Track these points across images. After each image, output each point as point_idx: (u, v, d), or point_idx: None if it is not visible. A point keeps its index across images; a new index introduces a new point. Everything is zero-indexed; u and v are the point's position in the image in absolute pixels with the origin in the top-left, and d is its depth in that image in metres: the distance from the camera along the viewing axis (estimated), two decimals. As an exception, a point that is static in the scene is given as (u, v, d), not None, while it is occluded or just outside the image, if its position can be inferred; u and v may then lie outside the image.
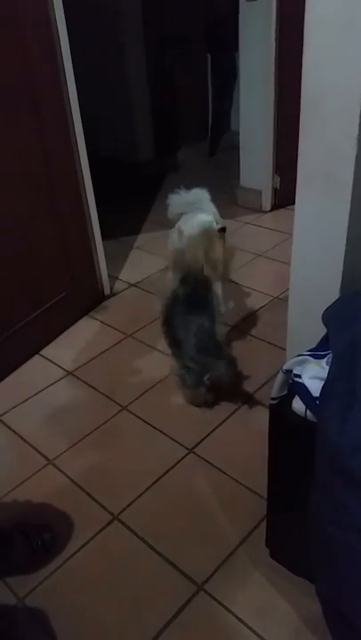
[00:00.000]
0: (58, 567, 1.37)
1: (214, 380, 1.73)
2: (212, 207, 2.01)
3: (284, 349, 1.66)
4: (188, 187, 1.95)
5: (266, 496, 1.27)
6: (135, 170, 3.87)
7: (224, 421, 1.77)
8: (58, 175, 2.09)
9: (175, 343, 1.75)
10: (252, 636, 1.19)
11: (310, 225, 1.36)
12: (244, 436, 1.69)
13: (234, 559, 1.36)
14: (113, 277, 2.62)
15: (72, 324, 2.32)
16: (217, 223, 1.86)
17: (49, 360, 2.12)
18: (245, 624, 1.22)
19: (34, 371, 2.08)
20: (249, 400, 1.83)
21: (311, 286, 1.46)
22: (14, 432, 1.79)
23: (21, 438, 1.77)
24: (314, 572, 1.04)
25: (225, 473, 1.58)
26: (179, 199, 1.99)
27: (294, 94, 1.23)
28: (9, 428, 1.81)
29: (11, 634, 1.19)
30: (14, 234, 1.94)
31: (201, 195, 2.00)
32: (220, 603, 1.26)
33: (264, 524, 1.35)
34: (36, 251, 2.06)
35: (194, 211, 1.93)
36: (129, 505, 1.51)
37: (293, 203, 1.37)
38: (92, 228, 2.32)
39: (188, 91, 4.10)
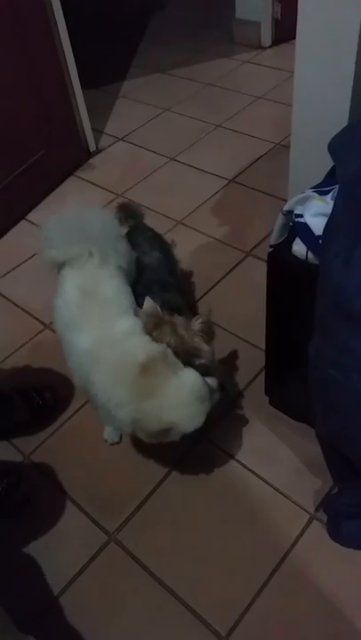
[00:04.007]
0: (60, 425, 1.39)
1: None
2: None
3: (286, 200, 1.53)
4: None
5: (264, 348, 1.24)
6: (115, 7, 3.39)
7: (223, 277, 1.70)
8: (24, 9, 1.79)
9: None
10: (252, 477, 1.23)
11: (315, 53, 1.18)
12: (244, 292, 1.63)
13: (233, 408, 1.37)
14: (98, 131, 2.39)
15: (57, 185, 2.16)
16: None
17: (35, 225, 2.00)
18: (245, 466, 1.25)
19: (21, 236, 1.97)
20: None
21: (315, 122, 1.30)
22: (7, 299, 1.74)
23: (15, 304, 1.72)
24: (313, 415, 1.03)
25: (224, 328, 1.54)
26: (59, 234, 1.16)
27: None
28: (1, 294, 1.76)
29: (20, 486, 1.23)
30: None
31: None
32: (220, 448, 1.29)
33: (263, 374, 1.34)
34: (4, 98, 1.83)
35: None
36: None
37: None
38: (68, 74, 2.06)
39: None
